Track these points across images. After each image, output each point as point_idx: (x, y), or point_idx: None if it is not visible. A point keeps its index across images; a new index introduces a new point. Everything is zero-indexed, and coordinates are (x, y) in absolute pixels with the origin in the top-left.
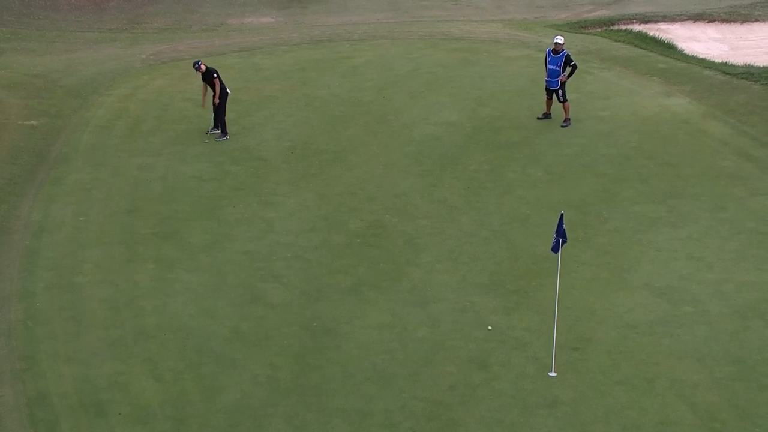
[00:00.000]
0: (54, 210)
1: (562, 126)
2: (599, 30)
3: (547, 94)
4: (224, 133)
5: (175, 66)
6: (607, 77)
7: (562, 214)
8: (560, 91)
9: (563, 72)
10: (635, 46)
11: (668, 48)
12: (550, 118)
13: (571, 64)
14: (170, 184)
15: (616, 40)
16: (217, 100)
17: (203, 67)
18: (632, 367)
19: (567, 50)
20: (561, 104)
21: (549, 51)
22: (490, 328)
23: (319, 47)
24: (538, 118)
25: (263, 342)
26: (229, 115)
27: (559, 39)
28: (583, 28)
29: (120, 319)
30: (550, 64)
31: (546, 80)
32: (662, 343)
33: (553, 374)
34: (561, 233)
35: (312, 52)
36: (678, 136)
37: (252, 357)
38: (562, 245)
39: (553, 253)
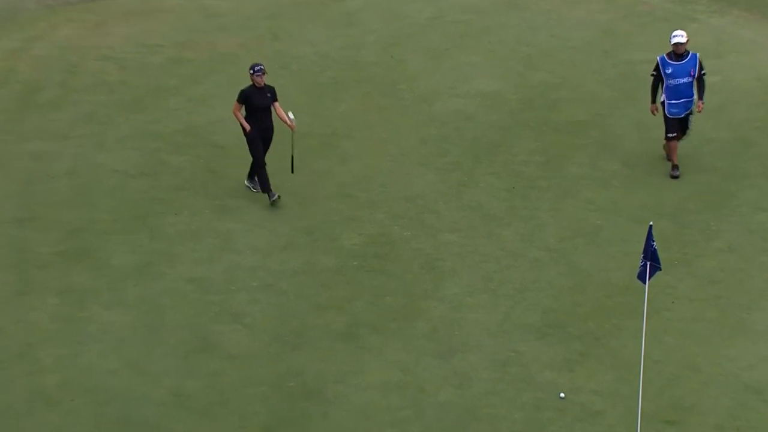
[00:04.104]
0: None
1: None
2: None
3: (669, 131)
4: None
5: (86, 10)
6: (719, 25)
7: (650, 227)
8: (691, 117)
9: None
10: None
11: None
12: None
13: (703, 72)
14: (82, 181)
15: None
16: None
17: (262, 80)
18: None
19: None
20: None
21: (662, 58)
22: (562, 396)
23: None
24: (672, 176)
25: (217, 409)
26: (169, 81)
27: (681, 35)
28: None
29: (7, 378)
30: (673, 77)
31: (669, 105)
32: None
33: None
34: (650, 254)
35: None
36: None
37: (201, 430)
38: (653, 272)
39: (640, 283)
